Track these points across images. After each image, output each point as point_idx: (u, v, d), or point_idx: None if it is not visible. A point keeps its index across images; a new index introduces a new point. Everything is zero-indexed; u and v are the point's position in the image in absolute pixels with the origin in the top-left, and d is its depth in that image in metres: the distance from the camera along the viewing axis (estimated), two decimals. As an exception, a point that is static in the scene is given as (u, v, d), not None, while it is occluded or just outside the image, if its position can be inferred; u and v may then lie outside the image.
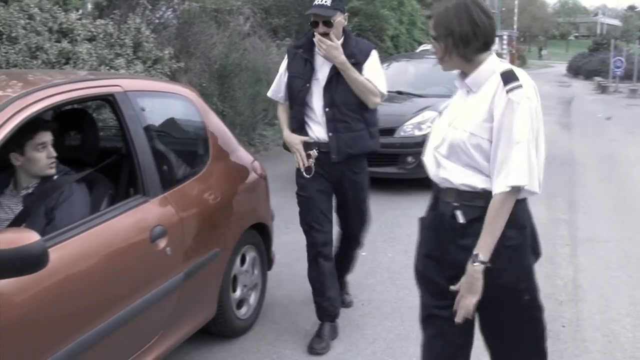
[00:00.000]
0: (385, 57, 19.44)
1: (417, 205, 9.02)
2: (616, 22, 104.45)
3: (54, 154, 3.76)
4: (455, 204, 3.10)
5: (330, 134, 4.76)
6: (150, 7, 12.59)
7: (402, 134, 9.92)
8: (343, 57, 4.63)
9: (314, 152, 4.81)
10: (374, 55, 4.89)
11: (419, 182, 10.04)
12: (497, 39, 43.24)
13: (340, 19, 4.73)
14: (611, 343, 5.05)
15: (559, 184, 10.57)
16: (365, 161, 5.05)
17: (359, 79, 4.69)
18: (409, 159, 9.77)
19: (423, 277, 3.32)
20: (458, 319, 3.04)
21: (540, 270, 6.50)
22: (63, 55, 9.26)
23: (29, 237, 2.75)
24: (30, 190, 3.78)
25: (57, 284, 3.14)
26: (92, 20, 10.56)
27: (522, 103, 2.90)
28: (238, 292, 4.93)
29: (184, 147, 4.67)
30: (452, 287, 3.04)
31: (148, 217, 3.84)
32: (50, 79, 3.93)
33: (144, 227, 3.77)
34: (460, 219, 3.09)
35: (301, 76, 4.82)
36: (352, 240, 5.42)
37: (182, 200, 4.14)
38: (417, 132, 9.92)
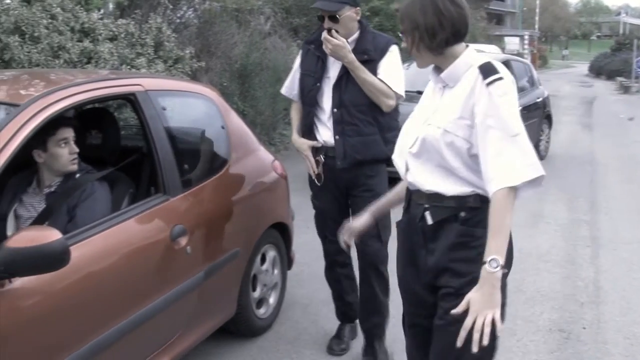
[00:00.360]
0: (406, 57, 19.47)
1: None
2: (639, 22, 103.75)
3: (76, 149, 3.78)
4: (426, 205, 2.90)
5: (336, 137, 4.38)
6: (171, 6, 12.63)
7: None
8: (351, 56, 4.22)
9: (320, 158, 4.47)
10: (393, 51, 4.46)
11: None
12: (518, 39, 43.27)
13: (349, 14, 4.29)
14: (633, 346, 5.02)
15: (581, 185, 10.53)
16: (383, 165, 4.49)
17: (368, 79, 4.27)
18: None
19: (402, 284, 3.12)
20: (474, 347, 2.62)
21: (561, 271, 6.53)
22: (85, 55, 9.31)
23: (50, 235, 2.76)
24: (53, 189, 3.80)
25: (78, 281, 3.15)
26: (113, 19, 10.61)
27: (508, 94, 2.77)
28: (258, 292, 4.94)
29: (204, 147, 4.67)
30: (454, 311, 2.71)
31: (168, 216, 3.85)
32: (72, 78, 3.96)
33: (164, 226, 3.78)
34: (429, 220, 2.90)
35: (312, 74, 4.49)
36: (370, 265, 4.56)
37: (202, 199, 4.15)
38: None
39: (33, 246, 2.70)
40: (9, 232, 3.66)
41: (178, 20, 13.07)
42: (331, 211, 4.58)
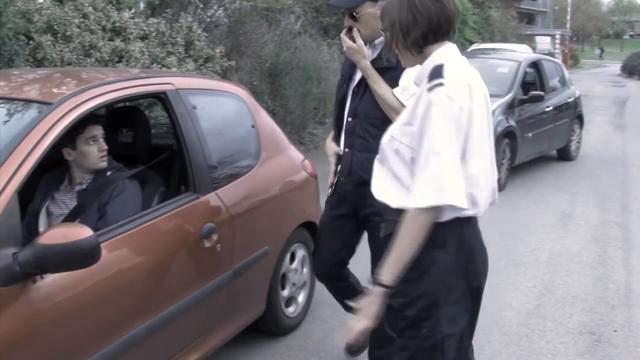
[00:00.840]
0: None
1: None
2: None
3: (105, 147, 3.80)
4: (384, 217, 2.85)
5: (346, 149, 3.99)
6: (201, 5, 12.68)
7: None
8: (364, 62, 3.79)
9: (338, 167, 4.08)
10: None
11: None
12: (549, 39, 42.97)
13: (370, 11, 3.77)
14: (665, 349, 4.96)
15: (612, 186, 10.44)
16: None
17: (379, 92, 3.76)
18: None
19: None
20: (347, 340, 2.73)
21: (592, 273, 6.48)
22: (116, 54, 9.38)
23: (82, 232, 2.78)
24: (84, 186, 3.83)
25: (108, 278, 3.17)
26: (144, 19, 10.69)
27: (441, 104, 2.55)
28: (287, 290, 4.94)
29: (234, 145, 4.68)
30: (350, 303, 2.76)
31: (198, 215, 3.86)
32: (104, 77, 3.98)
33: (194, 224, 3.80)
34: (382, 233, 2.87)
35: (343, 74, 4.14)
36: None
37: (232, 198, 4.16)
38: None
39: (65, 243, 2.71)
40: (41, 229, 3.70)
41: (208, 20, 13.12)
42: (330, 229, 4.20)
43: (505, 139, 10.23)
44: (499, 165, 9.98)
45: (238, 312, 4.33)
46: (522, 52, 17.68)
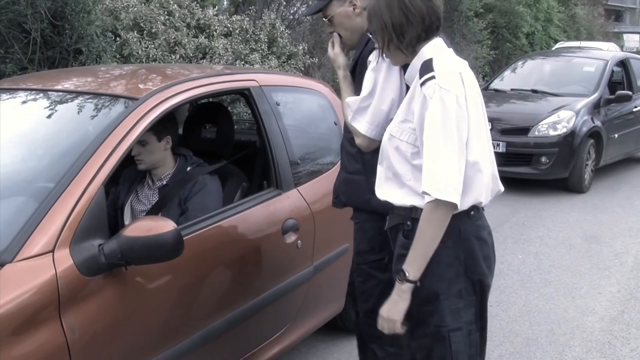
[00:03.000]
0: (520, 55, 19.10)
1: (550, 207, 8.93)
2: None
3: (135, 153, 3.71)
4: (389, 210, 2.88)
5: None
6: (284, 3, 12.76)
7: (536, 133, 9.71)
8: (340, 72, 3.49)
9: None
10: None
11: (553, 182, 9.86)
12: (638, 36, 41.91)
13: (340, 10, 3.40)
14: None
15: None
16: (371, 216, 3.36)
17: (343, 103, 3.41)
18: (543, 159, 9.58)
19: None
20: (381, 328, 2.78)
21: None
22: (200, 50, 9.51)
23: (165, 225, 2.82)
24: (164, 182, 3.88)
25: (190, 272, 3.21)
26: (228, 16, 10.81)
27: (434, 97, 2.58)
28: (366, 288, 4.91)
29: (317, 142, 4.68)
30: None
31: (280, 210, 3.88)
32: (188, 73, 4.03)
33: (276, 220, 3.81)
34: (386, 225, 2.90)
35: None
36: None
37: (314, 195, 4.16)
38: (552, 132, 9.68)
39: (149, 236, 2.75)
40: (125, 223, 3.77)
41: (291, 17, 13.19)
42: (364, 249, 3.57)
43: (590, 139, 10.04)
44: (584, 167, 9.81)
45: (317, 309, 4.33)
46: (609, 51, 17.31)
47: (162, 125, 3.64)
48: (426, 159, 2.60)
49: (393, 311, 2.72)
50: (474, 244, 2.78)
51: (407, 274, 2.66)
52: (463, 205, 2.65)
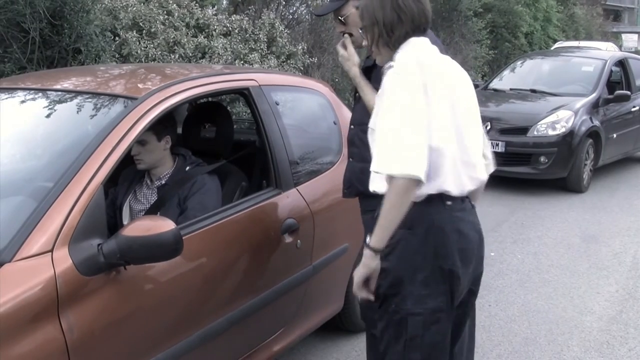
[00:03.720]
0: (519, 55, 19.10)
1: (549, 207, 8.93)
2: None
3: (135, 152, 3.73)
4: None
5: (350, 159, 3.75)
6: (284, 2, 12.76)
7: (535, 133, 9.71)
8: (354, 70, 3.55)
9: None
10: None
11: (552, 182, 9.87)
12: (636, 36, 41.92)
13: (355, 11, 3.48)
14: None
15: None
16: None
17: (365, 99, 3.50)
18: (542, 158, 9.59)
19: None
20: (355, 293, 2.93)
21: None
22: (199, 50, 9.51)
23: (164, 225, 2.81)
24: (163, 182, 3.88)
25: (189, 271, 3.22)
26: (227, 15, 10.81)
27: (388, 81, 2.74)
28: (365, 288, 4.91)
29: (316, 142, 4.68)
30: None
31: (280, 210, 3.88)
32: (188, 73, 4.02)
33: (275, 220, 3.82)
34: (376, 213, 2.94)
35: None
36: None
37: (313, 194, 4.16)
38: (550, 132, 9.68)
39: (148, 235, 2.75)
40: (124, 222, 3.77)
41: (291, 16, 13.19)
42: None
43: (589, 139, 10.04)
44: (583, 167, 9.82)
45: (317, 308, 4.33)
46: (607, 50, 17.32)
47: (162, 125, 3.64)
48: (377, 140, 2.71)
49: (356, 273, 2.84)
50: (448, 235, 2.82)
51: (368, 240, 2.77)
52: (424, 191, 2.74)
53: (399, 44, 2.91)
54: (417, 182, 2.61)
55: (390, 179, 2.64)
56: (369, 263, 2.79)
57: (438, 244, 2.80)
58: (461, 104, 2.86)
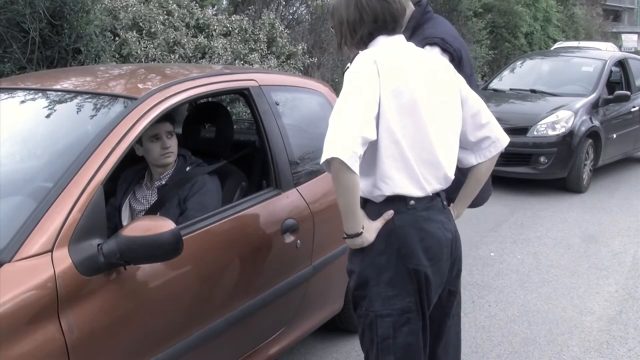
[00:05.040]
0: (519, 55, 19.10)
1: (549, 207, 8.93)
2: None
3: (169, 144, 3.80)
4: None
5: None
6: (284, 2, 12.76)
7: (535, 133, 9.71)
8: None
9: None
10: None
11: (552, 182, 9.87)
12: (636, 36, 41.92)
13: None
14: None
15: None
16: None
17: None
18: (542, 159, 9.59)
19: None
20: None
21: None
22: (199, 50, 9.51)
23: (164, 225, 2.81)
24: (163, 182, 3.87)
25: (189, 272, 3.21)
26: (227, 15, 10.81)
27: (345, 81, 2.77)
28: (365, 288, 4.91)
29: (316, 142, 4.65)
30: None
31: (280, 210, 3.88)
32: (188, 73, 4.03)
33: (275, 220, 3.81)
34: None
35: None
36: None
37: (313, 194, 4.16)
38: (550, 132, 9.69)
39: (148, 235, 2.75)
40: (124, 223, 3.76)
41: (291, 17, 13.20)
42: None
43: (589, 139, 10.05)
44: (583, 167, 9.82)
45: (316, 308, 4.33)
46: (607, 51, 17.32)
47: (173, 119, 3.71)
48: (329, 125, 2.72)
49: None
50: (410, 234, 2.84)
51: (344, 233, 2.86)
52: (381, 193, 2.82)
53: (364, 44, 2.92)
54: (344, 165, 2.61)
55: (327, 164, 2.68)
56: (351, 244, 2.88)
57: (400, 245, 2.83)
58: (425, 103, 2.83)
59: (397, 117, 2.75)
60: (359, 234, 2.81)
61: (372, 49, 2.87)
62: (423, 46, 3.51)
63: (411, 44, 3.03)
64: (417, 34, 3.73)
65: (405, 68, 2.83)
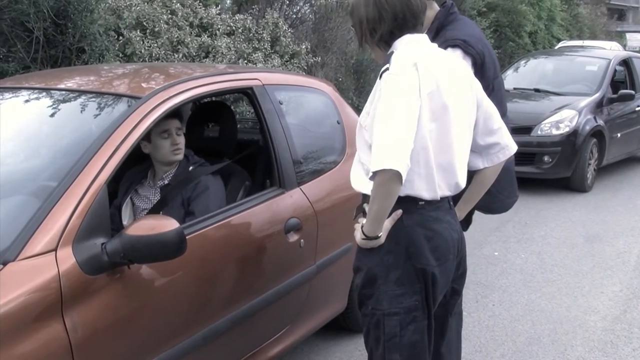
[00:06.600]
0: (523, 54, 19.08)
1: (553, 206, 8.92)
2: None
3: (178, 141, 3.81)
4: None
5: None
6: (287, 2, 12.75)
7: (539, 132, 9.71)
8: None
9: None
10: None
11: (555, 182, 9.86)
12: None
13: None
14: None
15: None
16: None
17: None
18: (546, 158, 9.59)
19: None
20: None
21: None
22: (203, 49, 9.51)
23: (168, 224, 2.81)
24: (166, 181, 3.87)
25: (193, 271, 3.21)
26: (231, 15, 10.80)
27: (386, 84, 2.70)
28: (368, 287, 4.91)
29: (319, 141, 4.67)
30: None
31: (283, 209, 3.87)
32: (191, 72, 4.03)
33: (279, 219, 3.81)
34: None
35: None
36: None
37: (316, 194, 4.16)
38: (554, 131, 9.69)
39: (152, 234, 2.75)
40: (124, 222, 3.77)
41: (294, 16, 13.18)
42: None
43: (593, 139, 10.04)
44: (587, 166, 9.81)
45: (320, 308, 4.33)
46: (611, 50, 17.29)
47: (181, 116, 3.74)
48: (374, 141, 2.65)
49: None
50: (418, 233, 2.83)
51: (361, 220, 2.87)
52: (399, 192, 2.72)
53: (387, 43, 2.89)
54: (397, 176, 2.57)
55: (374, 172, 2.63)
56: (364, 244, 2.87)
57: (409, 244, 2.82)
58: (450, 108, 2.80)
59: (428, 121, 2.74)
60: (378, 237, 2.81)
61: (407, 51, 2.81)
62: (445, 48, 3.44)
63: (435, 45, 3.00)
64: (440, 35, 3.70)
65: (434, 70, 2.80)
